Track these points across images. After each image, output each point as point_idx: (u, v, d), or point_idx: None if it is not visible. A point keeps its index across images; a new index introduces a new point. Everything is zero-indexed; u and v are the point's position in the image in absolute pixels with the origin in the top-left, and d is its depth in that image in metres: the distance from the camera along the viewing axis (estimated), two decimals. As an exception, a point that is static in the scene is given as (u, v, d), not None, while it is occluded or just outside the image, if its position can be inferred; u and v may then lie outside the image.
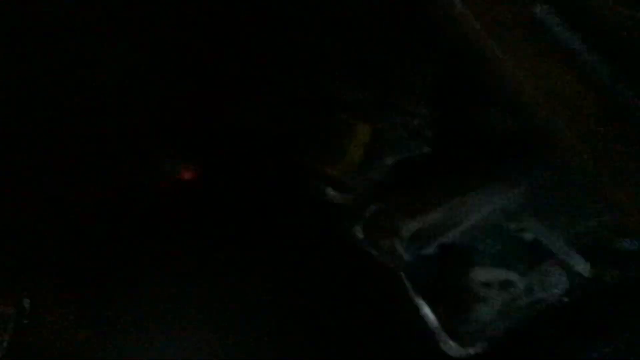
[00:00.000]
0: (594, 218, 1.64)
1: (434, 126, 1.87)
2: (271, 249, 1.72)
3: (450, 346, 1.49)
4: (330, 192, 1.77)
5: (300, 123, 1.83)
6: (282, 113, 1.81)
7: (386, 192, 1.77)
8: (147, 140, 1.71)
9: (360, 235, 1.70)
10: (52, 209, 1.66)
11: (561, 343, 1.54)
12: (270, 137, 1.80)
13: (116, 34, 1.61)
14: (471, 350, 1.49)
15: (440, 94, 1.83)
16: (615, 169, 1.38)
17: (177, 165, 1.80)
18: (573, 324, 1.57)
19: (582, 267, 1.62)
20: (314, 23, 1.81)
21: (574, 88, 1.47)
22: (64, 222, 1.68)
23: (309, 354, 1.55)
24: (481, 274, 1.65)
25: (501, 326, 1.56)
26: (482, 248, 1.68)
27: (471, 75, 1.69)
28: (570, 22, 1.51)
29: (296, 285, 1.67)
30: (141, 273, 1.67)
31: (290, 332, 1.59)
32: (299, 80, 1.84)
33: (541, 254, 1.67)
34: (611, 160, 1.39)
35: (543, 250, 1.68)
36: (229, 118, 1.77)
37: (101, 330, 1.57)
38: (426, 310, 1.54)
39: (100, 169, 1.68)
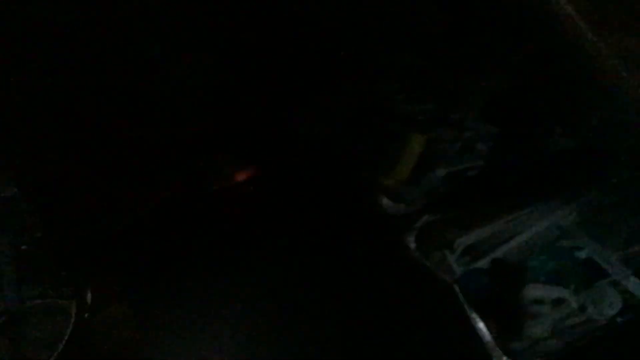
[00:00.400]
0: (650, 239, 1.63)
1: (488, 140, 1.87)
2: (324, 255, 1.73)
3: (504, 362, 1.49)
4: (384, 201, 1.77)
5: (357, 132, 1.83)
6: (339, 122, 1.82)
7: (439, 203, 1.76)
8: (207, 142, 1.73)
9: (412, 245, 1.70)
10: (113, 209, 1.67)
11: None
12: (327, 146, 1.81)
13: (181, 40, 1.63)
14: (524, 368, 1.48)
15: (500, 109, 1.82)
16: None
17: (234, 168, 1.81)
18: (626, 344, 1.56)
19: (636, 287, 1.60)
20: (374, 34, 1.82)
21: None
22: (123, 221, 1.69)
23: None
24: (534, 291, 1.64)
25: (554, 344, 1.55)
26: (535, 265, 1.68)
27: (558, 88, 1.69)
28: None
29: (348, 293, 1.67)
30: (194, 272, 1.68)
31: (342, 341, 1.59)
32: (357, 89, 1.84)
33: (595, 273, 1.66)
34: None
35: (597, 269, 1.67)
36: (287, 124, 1.78)
37: (155, 327, 1.58)
38: (480, 325, 1.53)
39: (160, 171, 1.69)
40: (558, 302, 1.62)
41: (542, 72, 1.78)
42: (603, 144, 1.78)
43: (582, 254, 1.70)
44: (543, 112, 1.76)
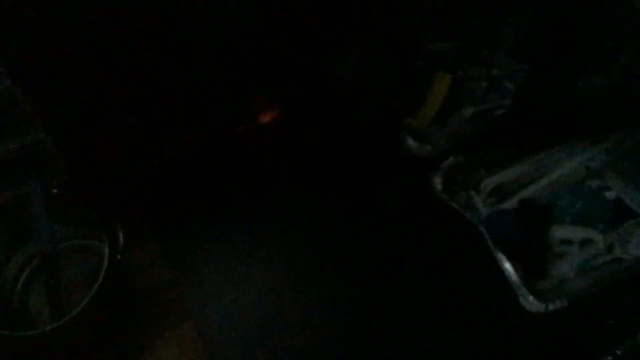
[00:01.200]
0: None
1: (517, 78, 1.83)
2: (349, 196, 1.74)
3: (530, 301, 1.50)
4: (410, 142, 1.76)
5: (384, 72, 1.81)
6: (368, 62, 1.79)
7: (466, 144, 1.75)
8: (235, 84, 1.71)
9: (439, 187, 1.70)
10: (142, 150, 1.68)
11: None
12: (354, 86, 1.79)
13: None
14: (550, 307, 1.49)
15: (530, 46, 1.78)
16: None
17: (261, 109, 1.81)
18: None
19: (664, 228, 1.60)
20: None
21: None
22: (153, 162, 1.70)
23: (392, 302, 1.58)
24: (561, 231, 1.65)
25: (580, 284, 1.56)
26: (563, 205, 1.67)
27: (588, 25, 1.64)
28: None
29: (374, 234, 1.68)
30: (224, 212, 1.70)
31: (370, 281, 1.61)
32: (385, 28, 1.81)
33: (623, 213, 1.66)
34: None
35: (625, 209, 1.66)
36: (316, 65, 1.76)
37: (187, 266, 1.61)
38: (507, 265, 1.54)
39: (189, 112, 1.69)
40: (585, 242, 1.63)
41: (572, 8, 1.73)
42: (633, 83, 1.75)
43: (610, 194, 1.69)
44: (573, 50, 1.72)
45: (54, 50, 1.33)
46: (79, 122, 1.48)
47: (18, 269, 1.50)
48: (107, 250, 1.37)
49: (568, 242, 1.63)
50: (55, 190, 1.43)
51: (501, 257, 1.55)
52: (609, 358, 1.45)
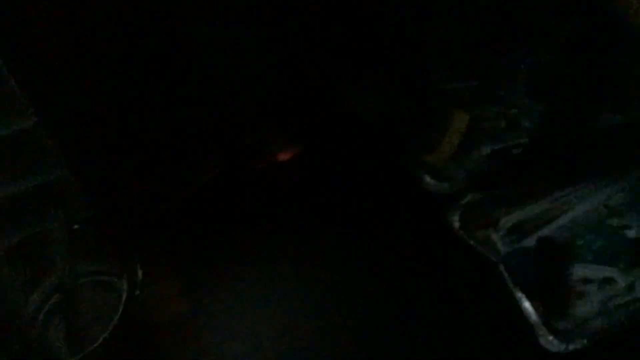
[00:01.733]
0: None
1: (534, 117, 1.84)
2: (366, 232, 1.74)
3: (550, 341, 1.48)
4: (428, 179, 1.77)
5: (401, 110, 1.82)
6: (385, 100, 1.81)
7: (484, 182, 1.75)
8: (254, 121, 1.74)
9: (456, 224, 1.69)
10: (162, 188, 1.71)
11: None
12: (371, 124, 1.80)
13: (232, 18, 1.62)
14: (571, 347, 1.47)
15: (547, 85, 1.79)
16: None
17: (279, 147, 1.83)
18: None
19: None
20: (420, 10, 1.79)
21: None
22: (172, 200, 1.73)
23: (410, 339, 1.56)
24: (581, 270, 1.63)
25: (601, 323, 1.53)
26: (583, 243, 1.66)
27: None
28: None
29: (392, 271, 1.68)
30: (241, 248, 1.71)
31: (386, 316, 1.60)
32: (403, 66, 1.83)
33: (644, 252, 1.64)
34: None
35: (646, 249, 1.64)
36: (333, 103, 1.78)
37: (204, 302, 1.61)
38: (526, 305, 1.52)
39: (208, 149, 1.72)
40: (606, 281, 1.61)
41: (589, 47, 1.74)
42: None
43: (631, 233, 1.67)
44: (591, 88, 1.72)
45: (78, 89, 1.37)
46: (100, 159, 1.51)
47: (38, 304, 1.51)
48: (125, 286, 1.38)
49: (588, 281, 1.61)
50: (75, 226, 1.44)
51: (520, 296, 1.54)
52: (631, 400, 1.42)
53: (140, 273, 1.42)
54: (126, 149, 1.57)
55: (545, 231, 1.67)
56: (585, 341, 1.48)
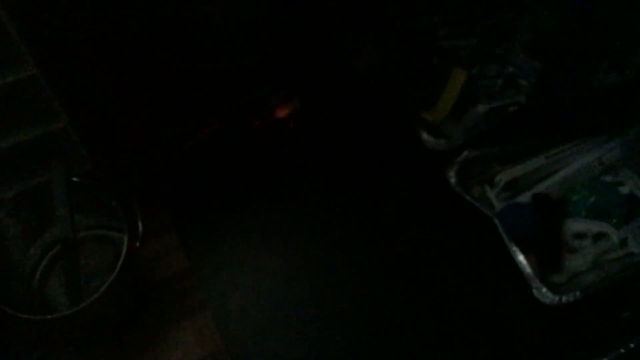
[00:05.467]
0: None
1: (531, 75, 1.85)
2: (364, 188, 1.75)
3: (543, 294, 1.51)
4: (426, 136, 1.78)
5: (400, 68, 1.83)
6: (384, 57, 1.81)
7: (480, 139, 1.76)
8: (253, 77, 1.74)
9: (453, 180, 1.71)
10: (162, 142, 1.71)
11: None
12: (371, 81, 1.80)
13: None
14: (564, 299, 1.50)
15: (545, 44, 1.79)
16: None
17: (278, 103, 1.83)
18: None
19: (678, 222, 1.61)
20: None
21: None
22: (171, 154, 1.73)
23: (405, 292, 1.59)
24: (575, 225, 1.66)
25: (594, 277, 1.56)
26: (577, 199, 1.68)
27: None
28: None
29: (389, 227, 1.70)
30: (240, 203, 1.72)
31: (382, 270, 1.63)
32: (403, 24, 1.83)
33: (637, 208, 1.66)
34: None
35: (638, 205, 1.67)
36: (333, 59, 1.78)
37: (203, 256, 1.63)
38: (520, 258, 1.55)
39: (208, 105, 1.71)
40: (599, 236, 1.64)
41: (588, 6, 1.74)
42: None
43: (625, 189, 1.70)
44: (588, 48, 1.73)
45: (79, 41, 1.36)
46: (100, 111, 1.50)
47: (38, 256, 1.52)
48: (126, 239, 1.38)
49: (582, 236, 1.64)
50: (75, 179, 1.44)
51: (515, 249, 1.56)
52: (622, 350, 1.46)
53: (141, 225, 1.42)
54: (125, 102, 1.56)
55: (540, 187, 1.69)
56: (578, 294, 1.51)
